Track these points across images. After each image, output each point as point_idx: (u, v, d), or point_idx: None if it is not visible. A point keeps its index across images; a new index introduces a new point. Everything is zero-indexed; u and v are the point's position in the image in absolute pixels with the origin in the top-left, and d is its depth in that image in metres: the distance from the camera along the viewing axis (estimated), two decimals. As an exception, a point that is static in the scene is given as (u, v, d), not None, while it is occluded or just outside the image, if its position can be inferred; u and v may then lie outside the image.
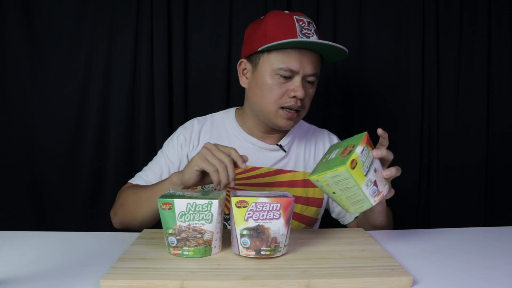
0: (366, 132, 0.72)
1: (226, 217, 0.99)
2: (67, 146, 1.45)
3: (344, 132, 1.50)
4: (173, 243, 0.68)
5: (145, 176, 1.05)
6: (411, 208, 1.56)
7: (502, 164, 1.56)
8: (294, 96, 0.93)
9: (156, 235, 0.79)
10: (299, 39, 0.90)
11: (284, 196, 0.68)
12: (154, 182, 1.00)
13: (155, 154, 1.43)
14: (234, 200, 0.66)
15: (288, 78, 0.94)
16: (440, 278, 0.64)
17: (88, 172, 1.45)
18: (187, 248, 0.67)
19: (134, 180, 1.07)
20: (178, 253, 0.68)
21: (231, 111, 1.11)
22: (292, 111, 0.95)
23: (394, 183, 1.59)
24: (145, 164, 1.43)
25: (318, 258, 0.68)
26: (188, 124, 1.10)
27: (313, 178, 0.71)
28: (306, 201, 1.05)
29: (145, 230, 0.84)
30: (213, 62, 1.46)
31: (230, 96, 1.47)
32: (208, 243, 0.68)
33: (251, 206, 0.66)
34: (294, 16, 0.93)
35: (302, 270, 0.62)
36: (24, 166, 1.44)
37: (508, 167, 1.56)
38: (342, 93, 1.52)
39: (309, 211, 1.05)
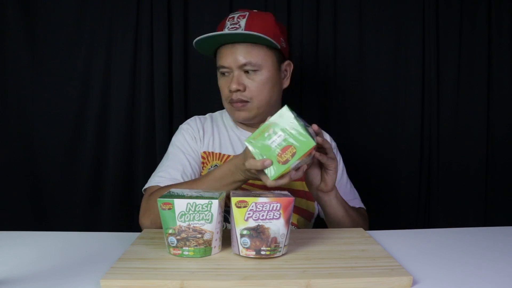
0: (314, 145, 0.69)
1: (226, 209, 1.00)
2: (67, 146, 1.45)
3: (344, 131, 1.51)
4: (173, 243, 0.68)
5: (168, 174, 0.99)
6: (411, 208, 1.56)
7: (502, 164, 1.56)
8: (230, 90, 1.00)
9: (156, 235, 0.79)
10: (207, 35, 0.96)
11: (284, 196, 0.68)
12: (180, 178, 0.98)
13: (155, 154, 1.44)
14: (234, 200, 0.66)
15: (228, 74, 1.01)
16: (440, 278, 0.64)
17: (88, 172, 1.45)
18: (187, 248, 0.67)
19: (158, 182, 0.97)
20: (178, 253, 0.68)
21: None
22: (235, 103, 1.01)
23: (394, 182, 1.59)
24: (145, 164, 1.44)
25: (318, 258, 0.68)
26: (191, 121, 1.12)
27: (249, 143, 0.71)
28: (305, 194, 1.06)
29: (145, 230, 0.84)
30: (213, 61, 1.46)
31: (230, 96, 1.47)
32: (208, 243, 0.68)
33: (251, 206, 0.66)
34: (229, 16, 1.01)
35: (302, 270, 0.62)
36: (24, 166, 1.44)
37: (508, 168, 1.56)
38: (342, 92, 1.52)
39: (309, 205, 1.07)
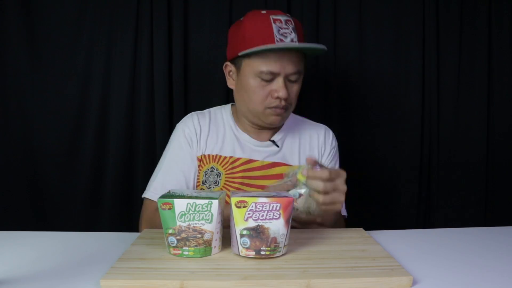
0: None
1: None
2: (67, 146, 1.45)
3: (344, 131, 1.51)
4: (173, 243, 0.68)
5: (164, 190, 0.96)
6: (411, 208, 1.56)
7: (502, 165, 1.56)
8: (278, 97, 0.96)
9: (156, 235, 0.79)
10: (275, 45, 0.92)
11: (283, 196, 0.68)
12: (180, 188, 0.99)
13: (155, 154, 1.43)
14: (233, 200, 0.66)
15: (270, 80, 0.96)
16: (440, 278, 0.64)
17: (88, 172, 1.45)
18: (187, 248, 0.67)
19: (153, 197, 1.01)
20: (178, 253, 0.68)
21: (228, 107, 1.13)
22: (279, 109, 0.99)
23: (394, 182, 1.58)
24: (145, 164, 1.43)
25: (318, 258, 0.68)
26: (188, 120, 1.10)
27: None
28: None
29: (145, 230, 0.84)
30: (213, 61, 1.46)
31: (230, 96, 1.47)
32: (208, 243, 0.68)
33: (250, 206, 0.66)
34: (271, 17, 0.95)
35: (302, 270, 0.62)
36: (24, 166, 1.44)
37: (508, 167, 1.56)
38: (342, 93, 1.52)
39: None
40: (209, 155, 1.05)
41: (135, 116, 1.46)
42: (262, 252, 0.67)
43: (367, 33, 1.51)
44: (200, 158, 1.05)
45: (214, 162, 1.04)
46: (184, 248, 0.68)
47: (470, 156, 1.55)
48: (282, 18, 0.96)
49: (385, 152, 1.55)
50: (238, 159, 1.04)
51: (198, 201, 0.66)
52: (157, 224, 0.89)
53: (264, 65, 0.94)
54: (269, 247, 0.67)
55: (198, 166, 1.05)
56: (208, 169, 1.04)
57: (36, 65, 1.42)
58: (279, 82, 0.96)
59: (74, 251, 0.75)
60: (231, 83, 1.06)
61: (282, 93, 0.95)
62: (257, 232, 0.66)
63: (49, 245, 0.79)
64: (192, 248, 0.67)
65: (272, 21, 0.94)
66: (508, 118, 1.55)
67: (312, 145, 1.11)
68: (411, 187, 1.55)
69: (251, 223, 0.66)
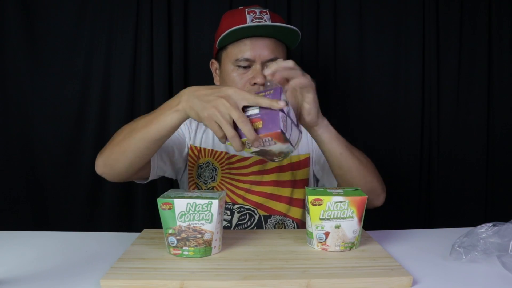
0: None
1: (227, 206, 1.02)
2: (67, 146, 1.45)
3: (344, 131, 1.51)
4: (173, 243, 0.68)
5: None
6: (411, 208, 1.56)
7: (502, 164, 1.56)
8: (255, 83, 0.96)
9: (156, 235, 0.79)
10: (242, 25, 0.93)
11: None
12: (165, 155, 1.00)
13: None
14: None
15: (248, 67, 0.97)
16: (440, 278, 0.64)
17: (88, 172, 1.45)
18: (187, 248, 0.68)
19: None
20: (178, 253, 0.68)
21: None
22: None
23: (394, 181, 1.58)
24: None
25: (318, 258, 0.68)
26: None
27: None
28: (294, 184, 1.07)
29: (145, 230, 0.84)
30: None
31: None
32: (208, 243, 0.68)
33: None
34: (246, 9, 0.98)
35: (302, 270, 0.62)
36: (24, 166, 1.44)
37: (508, 167, 1.56)
38: (342, 91, 1.52)
39: (298, 193, 1.07)
40: (204, 149, 1.07)
41: (135, 116, 1.46)
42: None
43: (367, 33, 1.51)
44: (193, 148, 1.06)
45: (210, 157, 1.06)
46: (184, 248, 0.68)
47: (470, 156, 1.55)
48: (257, 9, 0.98)
49: (385, 152, 1.55)
50: (234, 156, 1.06)
51: (198, 201, 0.66)
52: (109, 141, 0.88)
53: (239, 52, 0.96)
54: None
55: (191, 158, 1.06)
56: (203, 163, 1.06)
57: (36, 65, 1.42)
58: (256, 68, 0.97)
59: (74, 251, 0.75)
60: (216, 80, 1.09)
61: (259, 78, 0.95)
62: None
63: (49, 245, 0.79)
64: (192, 248, 0.67)
65: (246, 12, 0.97)
66: (508, 118, 1.55)
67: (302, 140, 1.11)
68: (411, 186, 1.55)
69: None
